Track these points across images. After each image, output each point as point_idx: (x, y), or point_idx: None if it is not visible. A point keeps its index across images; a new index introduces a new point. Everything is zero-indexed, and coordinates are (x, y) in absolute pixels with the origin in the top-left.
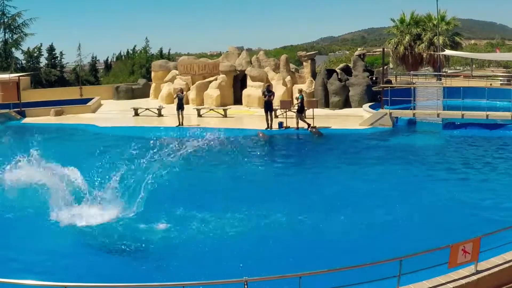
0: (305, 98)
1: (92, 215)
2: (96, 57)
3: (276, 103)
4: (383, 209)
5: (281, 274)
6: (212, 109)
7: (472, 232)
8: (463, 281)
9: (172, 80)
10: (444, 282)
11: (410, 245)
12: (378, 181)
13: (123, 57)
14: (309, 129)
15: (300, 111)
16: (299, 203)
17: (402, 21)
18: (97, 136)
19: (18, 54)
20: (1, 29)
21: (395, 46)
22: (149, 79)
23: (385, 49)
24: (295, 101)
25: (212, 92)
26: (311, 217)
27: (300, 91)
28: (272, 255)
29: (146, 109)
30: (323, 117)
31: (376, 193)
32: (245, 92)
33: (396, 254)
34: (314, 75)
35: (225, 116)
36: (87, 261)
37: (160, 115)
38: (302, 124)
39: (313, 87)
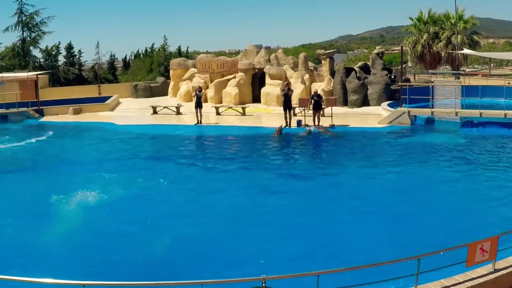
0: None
1: None
2: (114, 55)
3: (294, 101)
4: (406, 206)
5: (299, 273)
6: (231, 107)
7: (491, 231)
8: (481, 280)
9: (190, 78)
10: (462, 280)
11: (429, 242)
12: (400, 179)
13: (141, 55)
14: (319, 128)
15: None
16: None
17: (419, 19)
18: (115, 134)
19: (36, 52)
20: (19, 28)
21: (413, 44)
22: (168, 77)
23: (404, 48)
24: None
25: (231, 90)
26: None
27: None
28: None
29: (165, 107)
30: (341, 115)
31: (400, 190)
32: (263, 90)
33: (416, 252)
34: (332, 73)
35: (243, 114)
36: None
37: (178, 113)
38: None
39: (331, 85)
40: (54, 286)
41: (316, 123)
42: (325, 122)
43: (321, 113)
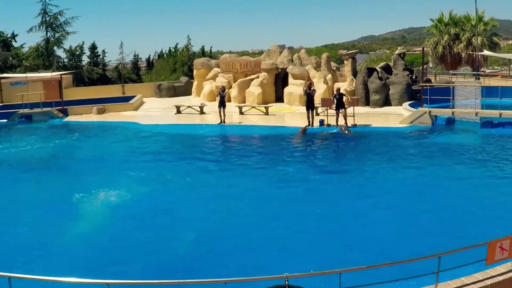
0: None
1: None
2: (138, 55)
3: (317, 101)
4: (426, 204)
5: (321, 271)
6: (254, 107)
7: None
8: (501, 278)
9: (214, 78)
10: (481, 278)
11: (449, 240)
12: (421, 177)
13: (165, 55)
14: (341, 128)
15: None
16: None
17: (440, 21)
18: (139, 133)
19: (60, 52)
20: (43, 28)
21: (434, 45)
22: (191, 77)
23: (425, 49)
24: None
25: (254, 90)
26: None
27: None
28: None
29: (188, 106)
30: (363, 115)
31: (420, 188)
32: (286, 90)
33: (436, 250)
34: (355, 73)
35: (266, 113)
36: None
37: (202, 112)
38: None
39: (354, 85)
40: (78, 285)
41: (344, 122)
42: (347, 121)
43: (345, 112)
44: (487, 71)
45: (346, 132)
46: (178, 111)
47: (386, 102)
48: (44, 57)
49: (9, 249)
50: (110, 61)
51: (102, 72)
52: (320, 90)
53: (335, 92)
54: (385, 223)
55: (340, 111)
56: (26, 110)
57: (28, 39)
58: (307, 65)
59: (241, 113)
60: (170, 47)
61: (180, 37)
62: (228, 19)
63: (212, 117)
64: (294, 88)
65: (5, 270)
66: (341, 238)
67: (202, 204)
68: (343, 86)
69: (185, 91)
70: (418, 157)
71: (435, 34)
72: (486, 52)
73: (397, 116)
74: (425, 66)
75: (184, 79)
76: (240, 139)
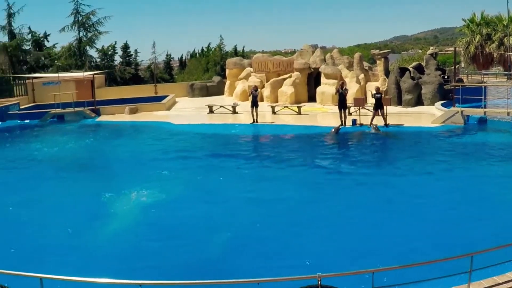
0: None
1: None
2: (170, 55)
3: (349, 100)
4: (459, 203)
5: (355, 270)
6: (286, 106)
7: None
8: None
9: (246, 77)
10: None
11: (482, 240)
12: (454, 176)
13: (197, 54)
14: (372, 126)
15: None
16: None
17: (472, 21)
18: (172, 133)
19: (92, 52)
20: (76, 28)
21: (466, 45)
22: (224, 77)
23: (457, 49)
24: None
25: (287, 89)
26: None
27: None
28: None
29: (221, 106)
30: (396, 115)
31: (453, 188)
32: (319, 89)
33: (468, 250)
34: (387, 73)
35: (299, 113)
36: None
37: (234, 112)
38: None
39: (386, 85)
40: (110, 286)
41: (384, 123)
42: (379, 121)
43: (383, 112)
44: None
45: (376, 131)
46: (211, 111)
47: (418, 101)
48: (76, 57)
49: (40, 249)
50: (142, 60)
51: (134, 72)
52: (352, 89)
53: (374, 92)
54: (421, 222)
55: (379, 111)
56: (58, 110)
57: (61, 39)
58: (340, 65)
59: (274, 112)
60: (202, 47)
61: (212, 36)
62: (261, 19)
63: (244, 116)
64: (327, 88)
65: (36, 270)
66: (374, 237)
67: (234, 204)
68: (376, 86)
69: (218, 90)
70: (451, 156)
71: (467, 34)
72: None
73: (429, 115)
74: (457, 66)
75: (216, 78)
76: (272, 139)
